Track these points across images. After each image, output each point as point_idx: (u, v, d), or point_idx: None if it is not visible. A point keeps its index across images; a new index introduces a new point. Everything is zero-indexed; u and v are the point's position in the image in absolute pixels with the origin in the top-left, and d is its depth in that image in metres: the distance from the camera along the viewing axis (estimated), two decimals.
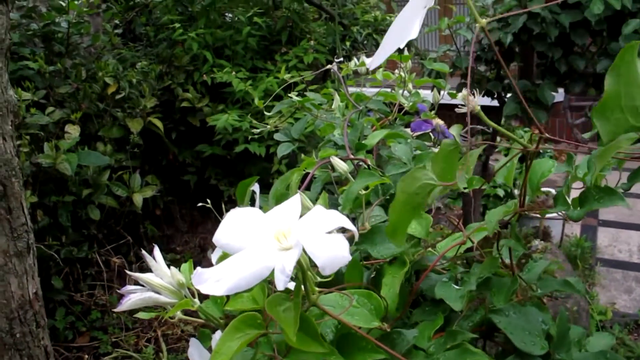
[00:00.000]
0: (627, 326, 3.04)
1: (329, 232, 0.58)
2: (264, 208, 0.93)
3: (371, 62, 0.59)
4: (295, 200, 0.62)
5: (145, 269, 2.29)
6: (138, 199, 2.31)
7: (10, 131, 1.37)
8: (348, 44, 3.08)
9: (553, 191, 4.12)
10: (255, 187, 0.97)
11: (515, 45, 2.24)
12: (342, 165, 0.99)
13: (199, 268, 0.58)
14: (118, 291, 0.85)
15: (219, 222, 1.17)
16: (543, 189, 3.59)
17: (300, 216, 0.60)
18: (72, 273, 2.36)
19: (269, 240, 0.57)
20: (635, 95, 0.50)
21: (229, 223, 0.62)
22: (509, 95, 2.47)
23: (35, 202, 2.09)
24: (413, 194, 0.57)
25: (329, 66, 1.54)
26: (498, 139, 4.23)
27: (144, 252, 0.86)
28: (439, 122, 1.66)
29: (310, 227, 0.57)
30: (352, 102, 1.45)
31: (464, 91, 0.65)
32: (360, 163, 1.19)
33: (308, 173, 1.08)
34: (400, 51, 1.54)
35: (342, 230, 0.59)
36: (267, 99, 2.68)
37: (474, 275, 0.76)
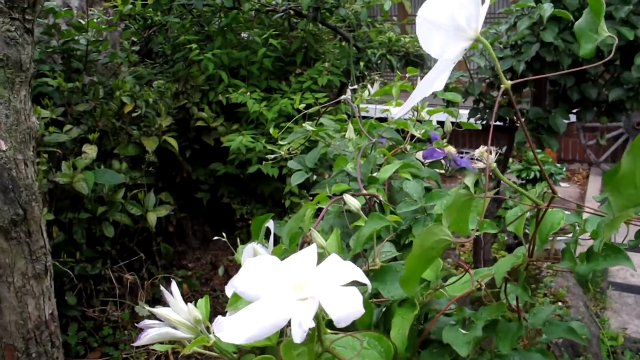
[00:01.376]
0: (639, 352, 3.02)
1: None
2: (274, 251, 0.95)
3: (398, 113, 0.62)
4: (312, 251, 0.65)
5: (156, 285, 2.33)
6: (152, 217, 2.35)
7: (32, 157, 1.41)
8: (362, 64, 3.11)
9: (565, 213, 4.11)
10: (270, 224, 1.00)
11: (528, 73, 2.26)
12: (354, 203, 1.01)
13: (219, 317, 0.61)
14: (137, 325, 0.88)
15: (229, 239, 1.19)
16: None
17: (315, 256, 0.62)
18: (85, 289, 2.40)
19: (286, 291, 0.60)
20: None
21: (247, 271, 0.64)
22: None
23: (51, 219, 2.13)
24: (429, 249, 0.60)
25: (342, 97, 1.57)
26: (510, 159, 4.23)
27: (162, 288, 0.89)
28: (450, 149, 1.68)
29: (326, 280, 0.59)
30: (365, 134, 1.47)
31: (482, 148, 0.67)
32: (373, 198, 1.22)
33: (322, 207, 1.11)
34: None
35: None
36: (280, 120, 2.73)
37: (480, 319, 0.78)
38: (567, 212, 0.81)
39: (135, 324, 0.89)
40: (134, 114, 2.61)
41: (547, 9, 1.98)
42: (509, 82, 0.59)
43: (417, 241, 0.60)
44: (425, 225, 1.08)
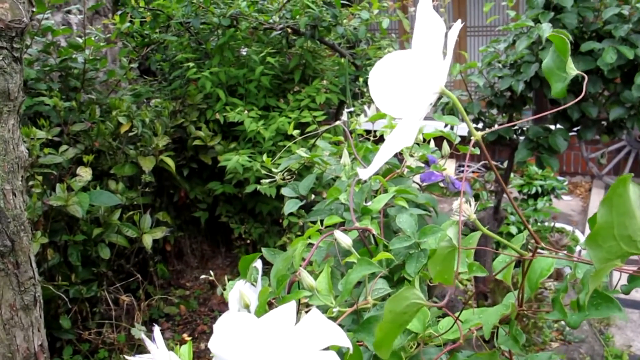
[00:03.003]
0: None
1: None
2: (260, 294, 0.93)
3: (365, 173, 0.60)
4: (289, 309, 0.62)
5: (154, 306, 2.29)
6: (148, 240, 2.33)
7: (20, 186, 1.38)
8: (362, 80, 3.10)
9: (567, 227, 4.07)
10: (258, 264, 0.97)
11: (527, 92, 2.24)
12: (346, 241, 0.99)
13: None
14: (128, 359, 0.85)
15: (228, 257, 1.15)
16: (557, 225, 3.54)
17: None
18: (80, 311, 2.37)
19: (261, 355, 0.57)
20: (628, 225, 0.51)
21: (221, 334, 0.61)
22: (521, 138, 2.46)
23: (45, 242, 2.10)
24: (401, 313, 0.58)
25: (337, 123, 1.55)
26: (512, 174, 4.20)
27: (143, 336, 0.86)
28: (448, 173, 1.65)
29: (303, 345, 0.57)
30: (360, 161, 1.45)
31: (460, 200, 0.65)
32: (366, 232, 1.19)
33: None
34: None
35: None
36: (278, 138, 2.71)
37: None
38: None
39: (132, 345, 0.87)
40: (131, 134, 2.59)
41: (546, 29, 1.96)
42: (479, 134, 0.57)
43: (388, 306, 0.58)
44: (419, 262, 1.05)
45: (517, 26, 2.13)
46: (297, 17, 2.69)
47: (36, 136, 2.23)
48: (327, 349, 0.58)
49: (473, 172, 5.41)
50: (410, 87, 0.57)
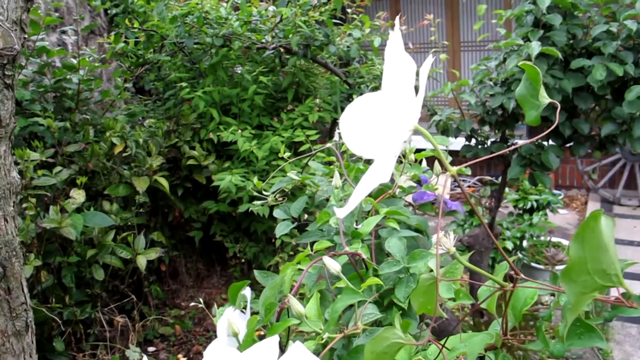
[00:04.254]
0: None
1: None
2: (249, 322, 0.93)
3: (342, 211, 0.60)
4: (272, 344, 0.62)
5: (148, 326, 2.29)
6: (142, 261, 2.32)
7: (12, 212, 1.38)
8: (355, 97, 3.11)
9: (564, 242, 4.07)
10: (247, 291, 0.98)
11: (518, 110, 2.25)
12: (334, 267, 0.99)
13: None
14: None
15: (223, 276, 1.15)
16: (554, 239, 3.53)
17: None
18: (74, 333, 2.36)
19: None
20: (602, 259, 0.52)
21: None
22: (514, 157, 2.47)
23: (38, 264, 2.10)
24: (381, 354, 0.58)
25: (328, 145, 1.55)
26: (507, 189, 4.20)
27: None
28: (440, 192, 1.66)
29: None
30: (350, 183, 1.45)
31: (440, 233, 0.65)
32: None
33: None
34: None
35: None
36: (272, 157, 2.72)
37: None
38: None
39: None
40: (125, 154, 2.60)
41: (535, 48, 1.98)
42: (454, 169, 0.58)
43: (368, 347, 0.58)
44: (409, 286, 1.05)
45: (506, 45, 2.15)
46: (290, 36, 2.71)
47: (30, 158, 2.23)
48: None
49: (469, 186, 5.42)
50: (383, 128, 0.58)
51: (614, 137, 2.27)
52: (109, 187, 2.54)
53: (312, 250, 1.18)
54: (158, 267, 2.93)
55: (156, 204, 2.91)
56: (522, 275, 0.66)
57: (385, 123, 0.58)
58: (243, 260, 3.01)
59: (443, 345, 0.72)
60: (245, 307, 1.00)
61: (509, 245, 3.61)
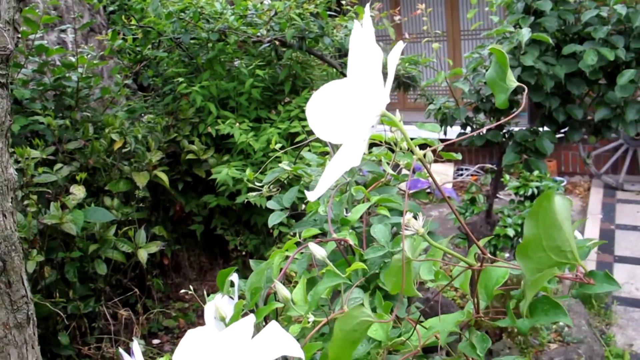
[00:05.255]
0: None
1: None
2: (235, 307, 0.96)
3: (312, 194, 0.61)
4: (247, 323, 0.65)
5: (152, 319, 2.32)
6: (143, 254, 2.36)
7: (10, 207, 1.42)
8: None
9: None
10: (234, 277, 1.00)
11: (512, 97, 2.26)
12: (320, 252, 1.01)
13: None
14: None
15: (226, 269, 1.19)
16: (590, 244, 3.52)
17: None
18: (79, 327, 2.40)
19: None
20: (556, 237, 0.53)
21: (183, 347, 0.64)
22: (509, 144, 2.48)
23: (41, 260, 2.14)
24: (351, 331, 0.60)
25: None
26: (508, 177, 4.21)
27: (121, 350, 0.89)
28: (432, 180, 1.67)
29: (258, 355, 0.60)
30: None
31: (409, 215, 0.68)
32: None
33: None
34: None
35: None
36: (269, 149, 2.74)
37: None
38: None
39: None
40: (124, 150, 2.63)
41: (525, 34, 1.99)
42: (421, 152, 0.60)
43: (337, 325, 0.60)
44: None
45: (498, 32, 2.16)
46: (285, 29, 2.73)
47: (30, 156, 2.27)
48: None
49: (471, 175, 5.43)
50: (348, 113, 0.59)
51: (609, 122, 2.28)
52: (109, 183, 2.58)
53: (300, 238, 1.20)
54: (161, 261, 2.97)
55: (157, 198, 2.94)
56: (489, 256, 0.68)
57: (351, 108, 0.59)
58: (244, 253, 3.04)
59: (417, 322, 0.74)
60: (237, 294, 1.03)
61: (510, 232, 3.62)
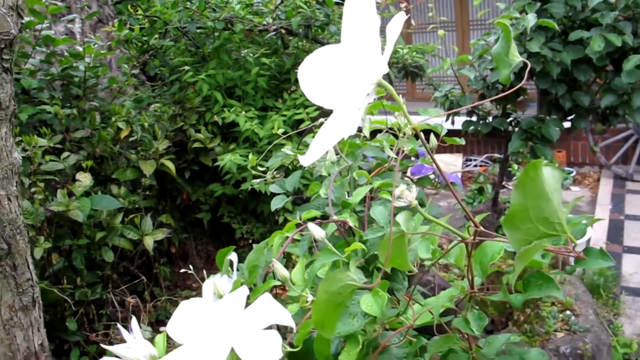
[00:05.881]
0: None
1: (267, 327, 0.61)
2: (233, 285, 0.96)
3: (305, 159, 0.60)
4: (241, 294, 0.66)
5: (160, 307, 2.34)
6: (149, 241, 2.38)
7: (15, 192, 1.43)
8: None
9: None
10: (233, 256, 1.01)
11: (517, 83, 2.25)
12: (319, 233, 1.02)
13: None
14: None
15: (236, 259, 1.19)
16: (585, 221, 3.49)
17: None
18: (87, 314, 2.43)
19: (208, 336, 0.61)
20: (544, 208, 0.53)
21: (178, 317, 0.65)
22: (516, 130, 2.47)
23: (49, 247, 2.16)
24: (335, 294, 0.60)
25: (320, 120, 1.58)
26: (516, 166, 4.19)
27: (119, 326, 0.90)
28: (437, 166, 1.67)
29: (248, 324, 0.60)
30: (342, 157, 1.48)
31: (402, 186, 0.68)
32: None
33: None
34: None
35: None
36: (275, 137, 2.75)
37: (429, 352, 0.78)
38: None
39: None
40: (131, 139, 2.65)
41: (531, 20, 1.98)
42: (416, 123, 0.59)
43: (321, 287, 0.61)
44: None
45: (503, 18, 2.14)
46: (292, 17, 2.72)
47: (37, 144, 2.29)
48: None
49: (480, 166, 5.41)
50: (342, 79, 0.57)
51: (615, 109, 2.26)
52: (116, 171, 2.60)
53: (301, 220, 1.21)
54: (168, 250, 2.99)
55: (164, 187, 2.96)
56: (482, 229, 0.68)
57: (345, 74, 0.58)
58: (251, 241, 3.05)
59: (410, 297, 0.75)
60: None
61: None
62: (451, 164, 5.37)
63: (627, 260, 4.00)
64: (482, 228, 0.67)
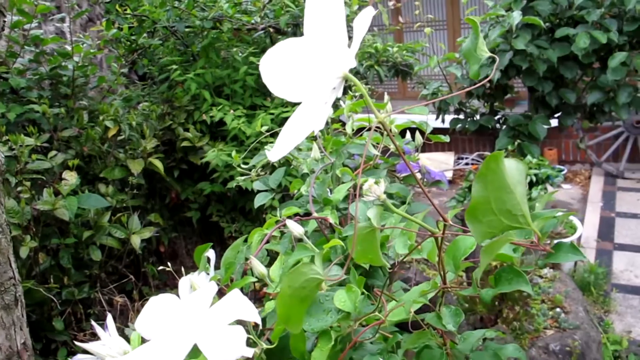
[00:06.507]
0: None
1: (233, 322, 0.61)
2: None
3: (272, 154, 0.59)
4: (209, 289, 0.66)
5: None
6: (136, 240, 2.37)
7: None
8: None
9: (571, 219, 4.06)
10: (211, 253, 1.01)
11: (504, 81, 2.25)
12: (297, 229, 1.02)
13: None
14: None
15: (222, 256, 1.19)
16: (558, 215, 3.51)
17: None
18: (75, 313, 2.42)
19: (173, 332, 0.60)
20: (506, 200, 0.52)
21: (146, 312, 0.65)
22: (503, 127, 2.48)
23: (35, 246, 2.15)
24: (300, 288, 0.60)
25: None
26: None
27: (93, 322, 0.90)
28: (424, 163, 1.68)
29: (214, 320, 0.60)
30: (326, 154, 1.48)
31: (370, 181, 0.68)
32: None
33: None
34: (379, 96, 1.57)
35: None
36: (262, 135, 2.74)
37: (402, 348, 0.78)
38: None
39: None
40: (119, 138, 2.64)
41: (516, 17, 1.98)
42: (382, 116, 0.58)
43: (285, 281, 0.60)
44: None
45: (489, 15, 2.15)
46: (280, 16, 2.72)
47: (24, 143, 2.28)
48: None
49: (471, 164, 5.42)
50: (307, 71, 0.56)
51: (602, 106, 2.27)
52: (104, 170, 2.59)
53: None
54: (157, 249, 2.98)
55: (153, 186, 2.95)
56: (451, 223, 0.68)
57: (309, 67, 0.56)
58: None
59: (382, 292, 0.74)
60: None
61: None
62: (443, 162, 5.39)
63: (618, 258, 4.02)
64: (451, 223, 0.67)
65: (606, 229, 4.34)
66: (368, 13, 0.57)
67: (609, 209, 4.64)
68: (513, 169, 0.53)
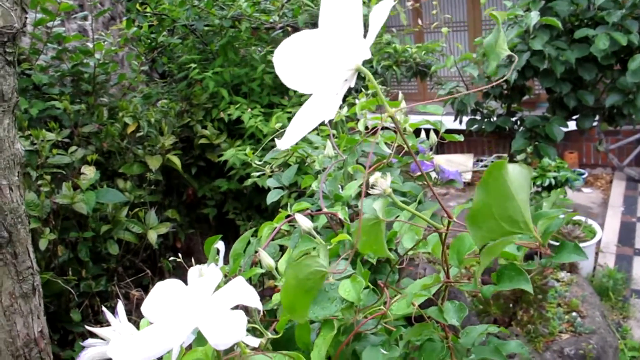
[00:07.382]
0: None
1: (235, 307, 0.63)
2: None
3: (282, 143, 0.60)
4: (213, 277, 0.67)
5: None
6: (152, 235, 2.40)
7: (17, 182, 1.46)
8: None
9: (583, 220, 4.01)
10: (220, 245, 1.03)
11: (521, 81, 2.24)
12: (306, 223, 1.03)
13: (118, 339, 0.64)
14: (81, 344, 0.92)
15: None
16: (575, 218, 3.49)
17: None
18: (92, 306, 2.46)
19: (177, 316, 0.62)
20: (508, 207, 0.52)
21: (153, 296, 0.67)
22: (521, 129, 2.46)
23: (54, 239, 2.20)
24: (304, 280, 0.61)
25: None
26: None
27: (103, 308, 0.92)
28: (439, 162, 1.68)
29: (215, 305, 0.62)
30: (338, 152, 1.49)
31: (376, 174, 0.69)
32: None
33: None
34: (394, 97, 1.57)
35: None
36: (277, 133, 2.76)
37: (404, 340, 0.79)
38: None
39: None
40: (138, 134, 2.68)
41: (534, 17, 1.97)
42: (392, 110, 0.59)
43: (290, 272, 0.61)
44: None
45: (508, 15, 2.14)
46: (298, 15, 2.74)
47: (46, 138, 2.33)
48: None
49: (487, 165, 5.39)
50: (319, 63, 0.56)
51: (621, 109, 2.25)
52: (123, 166, 2.63)
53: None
54: (174, 245, 3.02)
55: (171, 182, 2.99)
56: (455, 220, 0.69)
57: (322, 59, 0.57)
58: (255, 237, 3.07)
59: (385, 285, 0.75)
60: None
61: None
62: (462, 163, 5.36)
63: (638, 263, 3.96)
64: (455, 220, 0.67)
65: (627, 234, 4.28)
66: (386, 5, 0.57)
67: (630, 214, 4.58)
68: (516, 175, 0.53)
